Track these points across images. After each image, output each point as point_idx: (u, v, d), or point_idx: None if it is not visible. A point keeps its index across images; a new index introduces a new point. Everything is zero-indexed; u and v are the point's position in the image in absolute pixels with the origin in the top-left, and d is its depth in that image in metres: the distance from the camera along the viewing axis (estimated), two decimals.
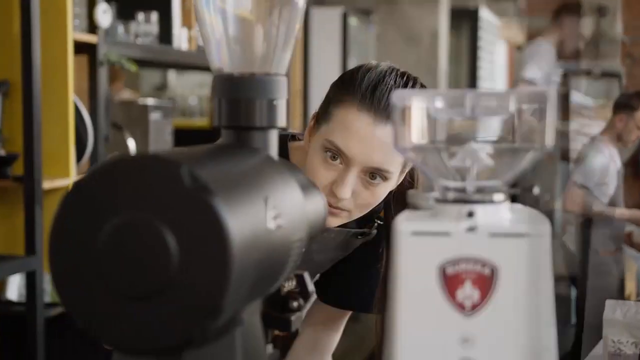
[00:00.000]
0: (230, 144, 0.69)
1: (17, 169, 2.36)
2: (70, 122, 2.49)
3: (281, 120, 0.70)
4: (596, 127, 3.89)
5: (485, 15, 6.83)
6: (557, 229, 4.80)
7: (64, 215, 0.56)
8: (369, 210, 1.22)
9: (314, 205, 0.74)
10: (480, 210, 0.61)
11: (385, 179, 1.17)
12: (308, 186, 0.74)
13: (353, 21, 4.99)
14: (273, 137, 0.70)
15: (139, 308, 0.55)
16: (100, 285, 0.55)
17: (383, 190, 1.19)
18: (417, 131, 0.64)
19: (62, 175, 2.49)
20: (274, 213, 0.62)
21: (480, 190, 0.63)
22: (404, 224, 0.61)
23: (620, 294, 3.31)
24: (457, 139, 0.64)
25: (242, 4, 0.69)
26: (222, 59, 0.69)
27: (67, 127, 2.48)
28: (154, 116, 3.15)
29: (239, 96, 0.68)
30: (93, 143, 2.64)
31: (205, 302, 0.54)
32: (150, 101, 3.30)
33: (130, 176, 0.55)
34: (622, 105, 3.46)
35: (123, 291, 0.55)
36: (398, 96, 0.63)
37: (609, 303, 1.64)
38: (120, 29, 2.88)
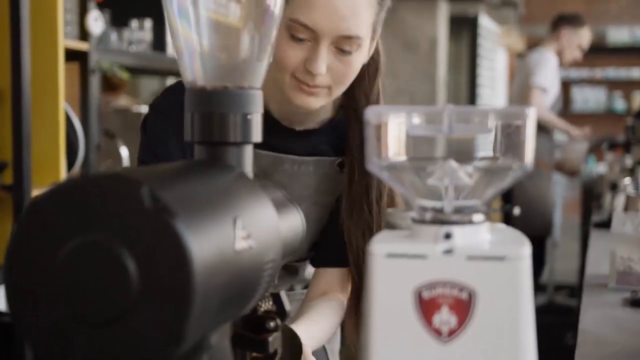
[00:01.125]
0: (202, 161, 0.66)
1: (6, 177, 2.33)
2: (60, 130, 2.46)
3: (256, 136, 0.67)
4: None
5: (485, 22, 6.81)
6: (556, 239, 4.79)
7: (20, 235, 0.54)
8: (347, 84, 1.21)
9: (289, 224, 0.71)
10: (458, 231, 0.58)
11: (357, 46, 1.17)
12: (284, 204, 0.71)
13: None
14: (247, 153, 0.68)
15: (97, 333, 0.52)
16: (57, 309, 0.53)
17: (357, 59, 1.19)
18: (393, 148, 0.61)
19: (53, 184, 2.46)
20: (244, 233, 0.59)
21: (458, 210, 0.60)
22: (379, 245, 0.59)
23: None
24: (436, 157, 0.61)
25: (215, 15, 0.67)
26: (195, 72, 0.67)
27: (57, 135, 2.46)
28: None
29: (212, 110, 0.66)
30: (85, 151, 2.61)
31: (166, 329, 0.52)
32: (144, 109, 3.28)
33: (90, 196, 0.53)
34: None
35: (81, 316, 0.52)
36: (373, 112, 0.61)
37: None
38: (114, 36, 2.86)
